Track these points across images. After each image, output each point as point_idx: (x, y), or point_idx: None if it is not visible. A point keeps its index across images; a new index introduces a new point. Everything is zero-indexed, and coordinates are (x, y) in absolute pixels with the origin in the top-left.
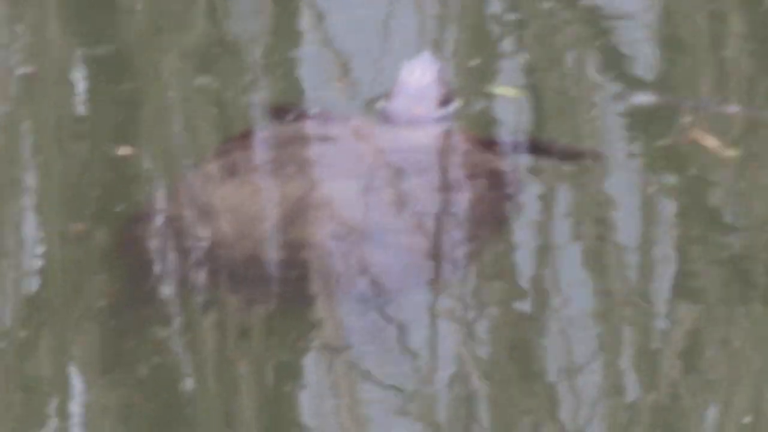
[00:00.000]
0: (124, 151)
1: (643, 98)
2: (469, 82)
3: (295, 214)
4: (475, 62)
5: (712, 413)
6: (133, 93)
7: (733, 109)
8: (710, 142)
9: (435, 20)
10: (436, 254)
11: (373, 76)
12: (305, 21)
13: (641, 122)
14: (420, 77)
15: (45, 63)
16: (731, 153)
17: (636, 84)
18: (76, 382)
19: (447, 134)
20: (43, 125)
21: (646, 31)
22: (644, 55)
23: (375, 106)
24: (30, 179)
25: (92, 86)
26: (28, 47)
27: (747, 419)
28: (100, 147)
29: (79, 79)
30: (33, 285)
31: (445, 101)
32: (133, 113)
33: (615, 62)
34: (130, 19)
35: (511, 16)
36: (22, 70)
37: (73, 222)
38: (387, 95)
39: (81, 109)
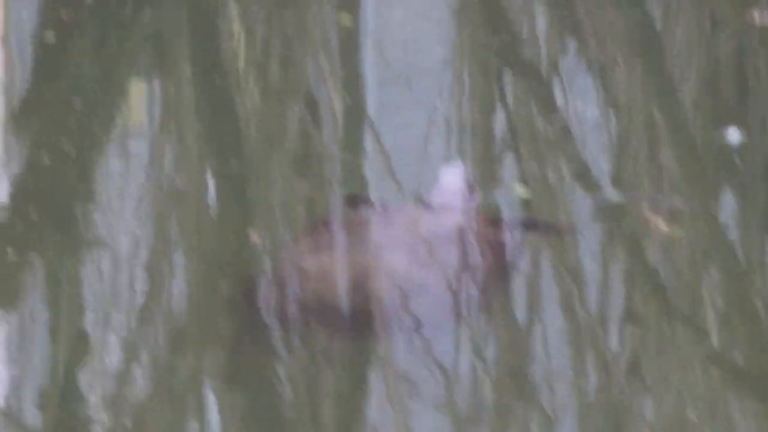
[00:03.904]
0: (253, 237)
1: (610, 193)
2: (485, 181)
3: (363, 275)
4: (489, 168)
5: (648, 406)
6: (252, 195)
7: (676, 202)
8: (661, 225)
9: (461, 138)
10: (459, 301)
11: (418, 179)
12: (368, 141)
13: (609, 211)
14: (453, 178)
15: (186, 178)
16: (675, 233)
17: (603, 183)
18: (207, 391)
19: (470, 218)
20: (186, 222)
21: (609, 145)
22: (608, 161)
23: (421, 199)
24: (179, 259)
25: (222, 195)
26: (173, 167)
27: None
28: (228, 235)
29: (212, 190)
30: (182, 321)
31: (469, 195)
32: (254, 209)
33: (585, 167)
34: (247, 138)
35: (511, 136)
36: (168, 185)
37: (213, 282)
38: (430, 191)
39: (214, 212)
